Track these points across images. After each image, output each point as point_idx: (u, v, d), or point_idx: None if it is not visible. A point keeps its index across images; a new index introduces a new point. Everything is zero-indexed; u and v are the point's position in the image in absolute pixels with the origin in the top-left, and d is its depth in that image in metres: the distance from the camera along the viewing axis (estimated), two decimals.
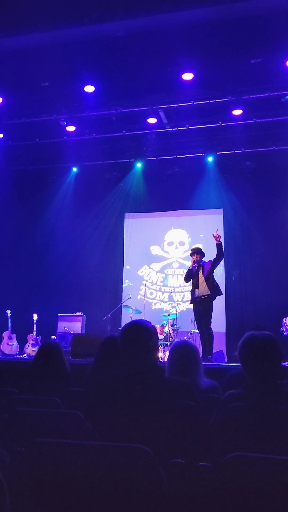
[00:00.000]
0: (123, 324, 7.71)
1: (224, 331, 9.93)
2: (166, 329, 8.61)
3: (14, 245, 10.79)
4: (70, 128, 9.42)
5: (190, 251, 7.74)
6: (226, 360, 8.14)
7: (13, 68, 7.47)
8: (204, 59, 7.23)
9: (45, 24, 6.42)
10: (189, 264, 10.64)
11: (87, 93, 8.16)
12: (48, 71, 7.53)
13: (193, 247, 7.74)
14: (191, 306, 10.21)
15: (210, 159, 10.22)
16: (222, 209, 10.59)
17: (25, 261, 10.72)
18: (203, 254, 7.57)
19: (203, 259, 7.50)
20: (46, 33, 6.59)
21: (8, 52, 7.06)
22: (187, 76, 7.64)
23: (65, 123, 9.27)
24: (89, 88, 8.04)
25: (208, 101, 8.33)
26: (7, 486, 0.66)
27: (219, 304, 10.27)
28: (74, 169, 11.06)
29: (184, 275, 7.77)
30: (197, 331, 8.76)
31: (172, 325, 8.71)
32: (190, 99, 8.34)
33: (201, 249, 7.58)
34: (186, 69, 7.52)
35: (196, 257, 7.45)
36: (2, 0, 6.15)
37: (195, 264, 7.38)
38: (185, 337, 8.55)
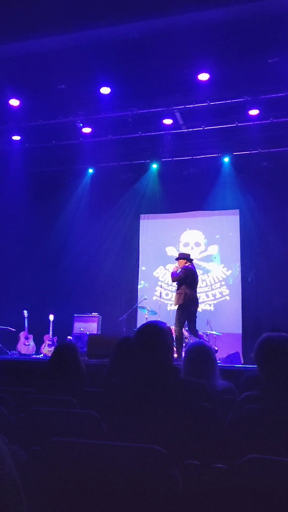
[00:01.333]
0: (138, 325, 7.70)
1: (241, 332, 9.88)
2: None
3: (31, 246, 10.88)
4: (86, 130, 9.48)
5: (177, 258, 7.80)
6: (242, 361, 8.09)
7: (30, 71, 7.55)
8: (220, 59, 7.21)
9: (61, 27, 6.47)
10: (205, 265, 10.64)
11: (103, 94, 8.20)
12: (64, 73, 7.59)
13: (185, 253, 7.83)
14: (207, 307, 10.16)
15: (226, 159, 10.17)
16: (238, 210, 10.53)
17: (41, 262, 10.81)
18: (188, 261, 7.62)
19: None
20: (62, 36, 6.65)
21: (24, 56, 7.14)
22: (203, 76, 7.62)
23: (81, 124, 9.33)
24: (105, 90, 8.08)
25: (224, 101, 8.29)
26: (23, 485, 0.67)
27: (235, 306, 10.24)
28: (90, 170, 11.12)
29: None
30: (214, 332, 8.74)
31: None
32: (206, 99, 8.32)
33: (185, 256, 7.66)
34: (202, 70, 7.50)
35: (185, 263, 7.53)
36: (18, 5, 6.21)
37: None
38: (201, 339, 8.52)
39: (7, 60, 7.19)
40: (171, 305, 10.70)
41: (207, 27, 6.41)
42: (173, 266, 7.68)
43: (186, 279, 7.32)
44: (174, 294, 7.51)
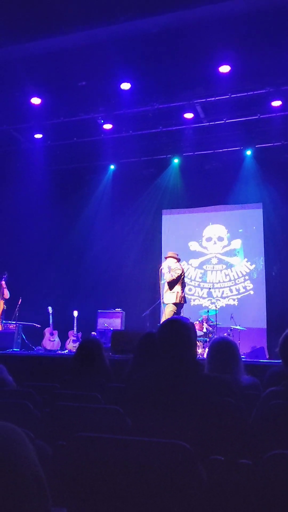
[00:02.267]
0: (162, 320, 7.72)
1: (265, 327, 9.78)
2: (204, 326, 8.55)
3: (54, 244, 10.99)
4: (107, 126, 9.49)
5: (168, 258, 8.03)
6: (267, 356, 8.01)
7: (51, 69, 7.60)
8: (241, 50, 7.10)
9: (80, 24, 6.49)
10: (228, 259, 10.56)
11: (123, 90, 8.19)
12: (85, 70, 7.62)
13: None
14: (230, 302, 10.12)
15: (248, 152, 10.05)
16: (261, 203, 10.41)
17: (65, 259, 10.91)
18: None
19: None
20: (82, 33, 6.67)
21: (45, 54, 7.19)
22: (224, 68, 7.53)
23: (102, 121, 9.34)
24: (126, 86, 8.07)
25: (246, 93, 8.17)
26: (48, 480, 0.68)
27: (259, 300, 10.14)
28: (112, 166, 11.15)
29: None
30: (238, 327, 8.68)
31: (207, 321, 8.64)
32: (227, 92, 8.22)
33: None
34: (223, 62, 7.41)
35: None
36: (37, 3, 6.25)
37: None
38: (225, 334, 8.48)
39: (28, 59, 7.25)
40: (194, 300, 10.67)
41: (227, 19, 6.33)
42: (167, 265, 7.83)
43: (181, 279, 7.68)
44: (166, 293, 7.70)
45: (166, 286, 7.74)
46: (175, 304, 7.56)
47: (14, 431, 0.66)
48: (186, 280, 10.57)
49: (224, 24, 6.41)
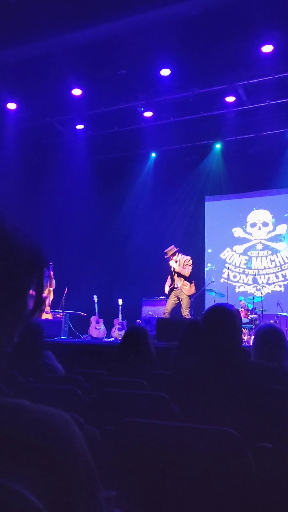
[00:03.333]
0: (206, 307, 7.70)
1: None
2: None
3: (98, 233, 11.11)
4: (148, 114, 9.45)
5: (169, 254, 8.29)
6: None
7: (91, 60, 7.64)
8: (285, 29, 6.87)
9: (118, 12, 6.45)
10: (274, 245, 10.34)
11: (163, 77, 8.12)
12: (124, 58, 7.60)
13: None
14: (277, 288, 9.94)
15: None
16: None
17: (109, 248, 11.02)
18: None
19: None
20: (120, 21, 6.64)
21: (84, 45, 7.22)
22: (267, 48, 7.30)
23: (142, 109, 9.31)
24: (165, 72, 7.99)
25: None
26: (96, 464, 0.69)
27: None
28: (153, 154, 11.11)
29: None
30: (286, 314, 8.51)
31: (245, 307, 8.52)
32: (270, 72, 7.97)
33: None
34: (265, 42, 7.18)
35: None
36: None
37: None
38: (271, 320, 8.33)
39: (69, 51, 7.30)
40: (239, 287, 10.54)
41: None
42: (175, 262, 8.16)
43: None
44: (184, 285, 8.07)
45: (182, 280, 8.06)
46: (191, 296, 8.08)
47: (62, 417, 0.68)
48: (230, 267, 10.48)
49: (265, 3, 6.21)
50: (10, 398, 0.67)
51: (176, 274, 8.10)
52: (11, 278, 0.69)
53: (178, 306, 8.23)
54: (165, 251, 8.30)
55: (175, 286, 8.05)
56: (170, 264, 8.16)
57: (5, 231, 0.70)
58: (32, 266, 0.72)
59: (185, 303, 8.02)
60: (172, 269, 8.12)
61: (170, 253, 8.20)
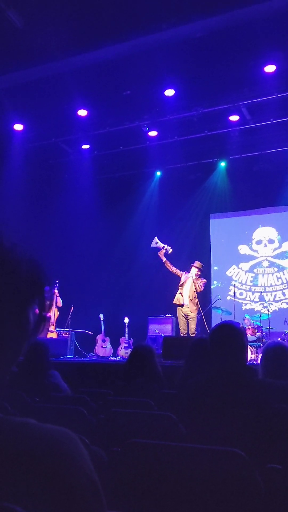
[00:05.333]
0: (213, 325, 7.65)
1: None
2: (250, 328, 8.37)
3: (104, 251, 11.14)
4: (152, 133, 9.55)
5: (199, 269, 8.43)
6: None
7: (96, 81, 7.77)
8: (286, 48, 6.96)
9: (123, 35, 6.58)
10: (280, 262, 10.31)
11: (167, 97, 8.23)
12: (129, 80, 7.72)
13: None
14: (284, 305, 9.87)
15: None
16: None
17: (114, 266, 11.03)
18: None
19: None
20: (125, 43, 6.77)
21: (90, 66, 7.35)
22: (270, 68, 7.40)
23: (147, 128, 9.42)
24: (169, 92, 8.10)
25: None
26: (102, 485, 0.68)
27: None
28: (158, 173, 11.19)
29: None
30: None
31: (250, 324, 8.46)
32: (273, 92, 8.06)
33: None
34: (268, 62, 7.28)
35: None
36: (81, 17, 6.41)
37: None
38: (279, 338, 8.24)
39: (75, 72, 7.43)
40: (246, 304, 10.48)
41: (270, 18, 6.23)
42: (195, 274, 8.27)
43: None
44: (193, 302, 8.13)
45: (193, 294, 8.04)
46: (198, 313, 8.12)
47: (69, 436, 0.67)
48: (237, 284, 10.44)
49: (268, 23, 6.32)
50: (16, 417, 0.67)
51: (184, 288, 8.07)
52: (12, 293, 0.69)
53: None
54: (196, 265, 8.33)
55: (183, 303, 8.00)
56: (191, 272, 8.20)
57: (3, 246, 0.70)
58: (32, 281, 0.72)
59: (193, 323, 7.99)
60: (192, 276, 8.11)
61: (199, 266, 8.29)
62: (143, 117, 9.12)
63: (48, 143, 9.92)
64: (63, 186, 10.69)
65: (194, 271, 8.23)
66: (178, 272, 8.29)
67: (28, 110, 8.70)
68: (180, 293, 8.15)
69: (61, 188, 10.62)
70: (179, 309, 8.17)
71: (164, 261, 8.26)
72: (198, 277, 8.19)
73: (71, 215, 10.61)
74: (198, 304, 8.09)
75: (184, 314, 8.09)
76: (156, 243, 8.30)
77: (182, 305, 8.08)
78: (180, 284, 8.26)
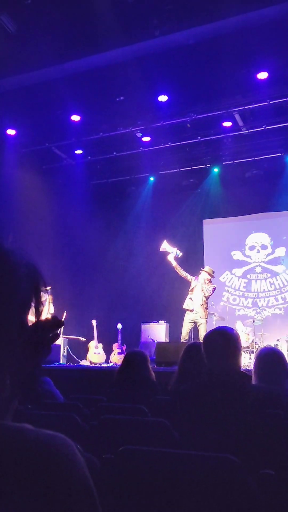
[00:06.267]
0: (200, 332, 7.65)
1: None
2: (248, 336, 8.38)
3: (97, 257, 11.12)
4: (146, 139, 9.58)
5: (210, 274, 8.12)
6: None
7: (90, 87, 7.78)
8: (279, 55, 7.03)
9: (116, 41, 6.61)
10: (273, 268, 10.35)
11: (161, 102, 8.26)
12: (122, 86, 7.75)
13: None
14: (277, 311, 9.89)
15: None
16: None
17: (108, 272, 11.01)
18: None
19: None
20: (119, 49, 6.79)
21: (84, 72, 7.37)
22: (262, 75, 7.46)
23: (140, 134, 9.44)
24: (163, 98, 8.13)
25: (285, 99, 8.04)
26: (96, 491, 0.68)
27: None
28: (151, 178, 11.21)
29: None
30: (286, 337, 8.45)
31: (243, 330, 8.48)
32: (266, 98, 8.12)
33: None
34: (260, 69, 7.35)
35: None
36: (75, 23, 6.43)
37: None
38: (272, 344, 8.27)
39: (68, 78, 7.44)
40: (239, 310, 10.49)
41: (262, 26, 6.28)
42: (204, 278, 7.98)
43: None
44: (203, 307, 7.78)
45: (202, 298, 7.73)
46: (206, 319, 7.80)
47: (65, 441, 0.67)
48: (230, 290, 10.45)
49: (259, 31, 6.37)
50: (12, 422, 0.66)
51: (194, 293, 7.82)
52: (11, 294, 0.69)
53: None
54: (206, 269, 8.10)
55: (192, 308, 7.73)
56: (200, 277, 7.92)
57: (3, 249, 0.70)
58: (31, 282, 0.72)
59: (203, 328, 7.59)
60: (201, 282, 7.85)
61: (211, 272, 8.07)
62: (137, 123, 9.14)
63: (41, 148, 9.91)
64: (56, 191, 10.67)
65: (204, 275, 7.92)
66: (188, 277, 7.97)
67: (21, 115, 8.69)
68: (190, 298, 7.84)
69: (54, 194, 10.60)
70: (186, 315, 7.82)
71: (174, 265, 7.91)
72: (209, 282, 7.89)
73: (64, 220, 10.59)
74: (207, 310, 7.83)
75: (193, 320, 7.75)
76: (165, 248, 8.06)
77: (191, 310, 7.75)
78: (190, 289, 7.95)
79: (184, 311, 7.93)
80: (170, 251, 8.00)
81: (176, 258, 7.97)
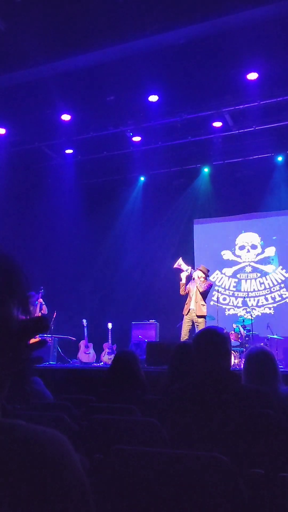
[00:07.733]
0: (196, 331, 7.65)
1: None
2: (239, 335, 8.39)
3: (87, 257, 11.11)
4: (136, 139, 9.58)
5: (204, 273, 7.99)
6: None
7: (80, 86, 7.77)
8: (269, 57, 7.07)
9: (107, 40, 6.60)
10: (262, 268, 10.40)
11: (151, 102, 8.27)
12: (112, 85, 7.74)
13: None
14: (266, 310, 9.92)
15: (280, 158, 9.93)
16: None
17: (98, 272, 11.00)
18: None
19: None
20: (109, 48, 6.79)
21: (74, 71, 7.36)
22: (252, 76, 7.50)
23: (131, 134, 9.44)
24: (153, 98, 8.14)
25: (275, 99, 8.09)
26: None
27: None
28: (142, 178, 11.22)
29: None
30: (276, 336, 8.50)
31: (244, 328, 8.48)
32: (256, 99, 8.16)
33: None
34: (250, 70, 7.38)
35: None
36: (65, 21, 6.41)
37: None
38: (262, 343, 8.30)
39: (58, 77, 7.42)
40: (229, 310, 10.53)
41: (253, 26, 6.32)
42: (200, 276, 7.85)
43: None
44: (199, 304, 7.66)
45: (198, 296, 7.68)
46: (205, 317, 7.65)
47: (59, 437, 0.67)
48: (220, 289, 10.49)
49: (250, 32, 6.40)
50: (4, 419, 0.66)
51: (190, 293, 7.74)
52: None
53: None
54: (200, 268, 7.97)
55: (190, 308, 7.66)
56: (194, 276, 7.78)
57: None
58: (9, 288, 0.70)
59: (202, 327, 7.49)
60: (195, 279, 7.73)
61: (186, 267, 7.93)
62: (127, 123, 9.14)
63: (31, 148, 9.86)
64: (46, 190, 10.63)
65: (197, 273, 7.84)
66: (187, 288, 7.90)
67: (10, 114, 8.65)
68: (187, 303, 7.81)
69: (44, 193, 10.56)
70: (187, 315, 7.78)
71: (183, 283, 7.83)
72: (204, 280, 7.82)
73: (54, 220, 10.56)
74: (204, 309, 7.70)
75: (191, 319, 7.69)
76: (180, 265, 8.00)
77: (189, 310, 7.70)
78: (189, 294, 7.88)
79: (178, 311, 7.95)
80: (185, 269, 7.91)
81: (187, 277, 7.89)
